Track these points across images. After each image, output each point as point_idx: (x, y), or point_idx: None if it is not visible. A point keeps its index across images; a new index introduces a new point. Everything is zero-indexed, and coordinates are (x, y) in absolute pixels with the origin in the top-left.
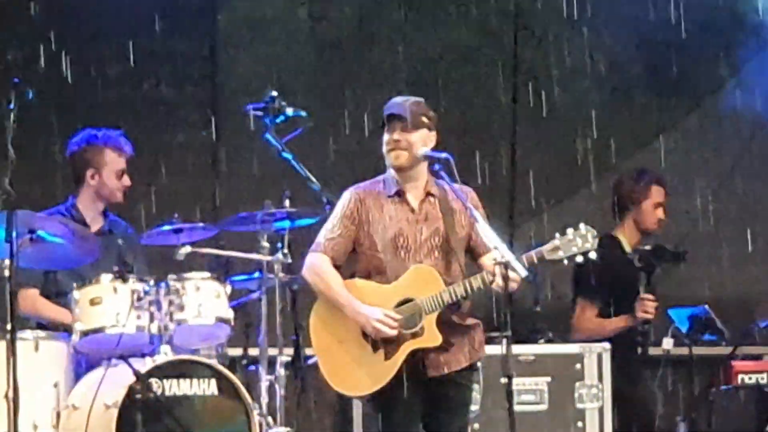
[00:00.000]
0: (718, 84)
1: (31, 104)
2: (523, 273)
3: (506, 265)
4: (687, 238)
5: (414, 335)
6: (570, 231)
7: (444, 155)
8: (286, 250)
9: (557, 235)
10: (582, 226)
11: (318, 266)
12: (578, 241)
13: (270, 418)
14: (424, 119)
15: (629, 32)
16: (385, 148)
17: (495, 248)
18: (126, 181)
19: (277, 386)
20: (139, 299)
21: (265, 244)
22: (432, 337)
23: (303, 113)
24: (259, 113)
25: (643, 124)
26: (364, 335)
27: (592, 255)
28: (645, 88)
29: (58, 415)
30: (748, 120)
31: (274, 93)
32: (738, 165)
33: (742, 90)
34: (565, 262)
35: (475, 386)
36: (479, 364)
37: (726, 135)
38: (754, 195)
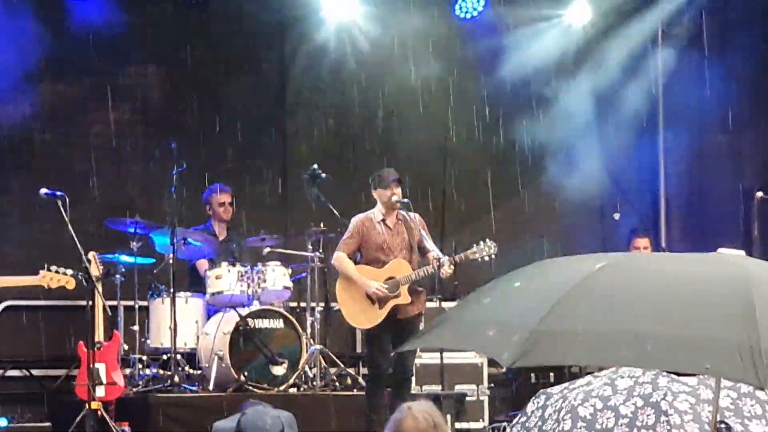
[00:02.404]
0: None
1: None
2: (449, 268)
3: (439, 261)
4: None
5: (395, 297)
6: (481, 242)
7: (406, 200)
8: (321, 250)
9: (474, 245)
10: (487, 240)
11: (341, 258)
12: (485, 249)
13: (312, 340)
14: (400, 180)
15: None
16: (390, 196)
17: (433, 251)
18: (228, 208)
19: (315, 323)
20: (242, 276)
21: (310, 247)
22: (405, 298)
23: (330, 177)
24: (306, 176)
25: (510, 185)
26: (367, 296)
27: (494, 255)
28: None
29: (198, 337)
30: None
31: (315, 166)
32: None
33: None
34: (479, 260)
35: (421, 324)
36: (423, 312)
37: (552, 198)
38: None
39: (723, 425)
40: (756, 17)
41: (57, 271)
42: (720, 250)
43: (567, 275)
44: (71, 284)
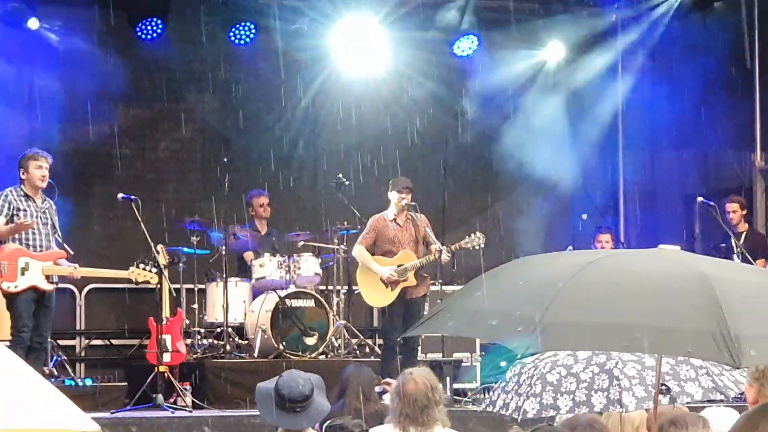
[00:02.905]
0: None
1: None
2: (447, 255)
3: (440, 251)
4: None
5: (404, 281)
6: (472, 235)
7: (414, 203)
8: (345, 244)
9: (467, 236)
10: (477, 233)
11: (360, 250)
12: (475, 239)
13: (337, 316)
14: (411, 188)
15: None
16: (399, 199)
17: (435, 243)
18: (266, 208)
19: (340, 302)
20: (281, 264)
21: (336, 241)
22: (412, 282)
23: (351, 184)
24: (333, 183)
25: (497, 191)
26: (381, 280)
27: (482, 245)
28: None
29: (245, 314)
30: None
31: (340, 175)
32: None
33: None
34: (470, 248)
35: (426, 303)
36: (428, 293)
37: (531, 202)
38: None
39: (663, 387)
40: (697, 53)
41: (144, 268)
42: (660, 246)
43: (558, 272)
44: (155, 280)
